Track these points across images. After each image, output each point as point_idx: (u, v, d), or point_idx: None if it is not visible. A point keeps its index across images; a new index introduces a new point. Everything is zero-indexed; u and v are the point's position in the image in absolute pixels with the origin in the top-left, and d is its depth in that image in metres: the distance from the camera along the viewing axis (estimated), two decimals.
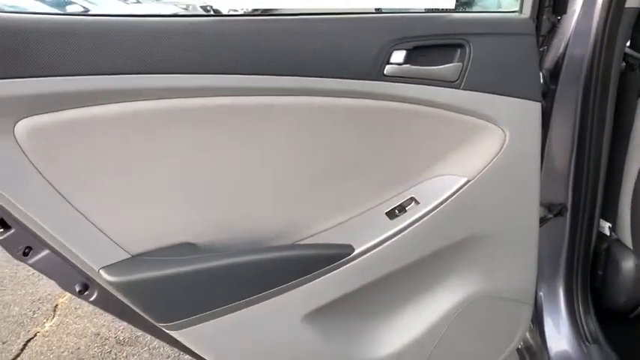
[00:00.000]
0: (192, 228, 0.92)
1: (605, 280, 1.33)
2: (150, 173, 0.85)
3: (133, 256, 0.89)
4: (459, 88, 0.92)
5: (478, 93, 0.93)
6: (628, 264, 1.29)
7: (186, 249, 0.92)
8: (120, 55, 0.75)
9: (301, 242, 1.00)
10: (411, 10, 0.96)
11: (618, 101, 1.16)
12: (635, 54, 1.13)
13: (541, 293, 1.29)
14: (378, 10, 0.96)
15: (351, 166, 0.97)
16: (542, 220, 1.23)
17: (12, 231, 0.86)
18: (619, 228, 1.29)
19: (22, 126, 0.75)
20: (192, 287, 0.90)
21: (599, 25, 1.03)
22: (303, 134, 0.91)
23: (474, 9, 1.05)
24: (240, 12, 0.95)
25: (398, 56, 0.89)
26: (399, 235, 0.96)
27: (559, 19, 1.07)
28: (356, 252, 0.95)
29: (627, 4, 1.01)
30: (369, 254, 0.96)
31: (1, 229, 0.86)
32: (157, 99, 0.79)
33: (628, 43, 1.11)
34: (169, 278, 0.88)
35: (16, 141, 0.76)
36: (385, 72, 0.88)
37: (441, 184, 0.99)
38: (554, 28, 1.08)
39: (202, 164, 0.87)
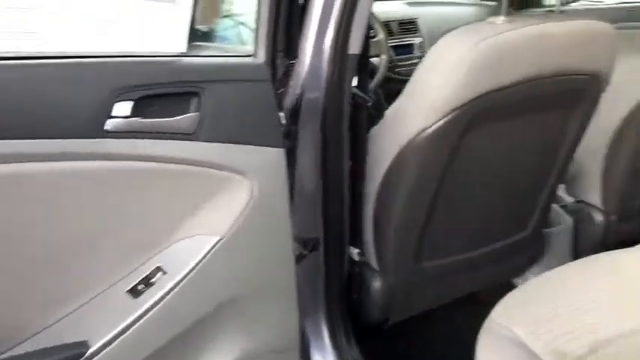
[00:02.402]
0: None
1: (360, 302, 1.41)
2: None
3: None
4: (197, 140, 0.84)
5: (219, 144, 0.86)
6: (376, 284, 1.38)
7: None
8: None
9: (21, 346, 0.77)
10: (134, 54, 0.83)
11: (353, 136, 1.23)
12: (361, 94, 1.22)
13: (307, 331, 1.30)
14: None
15: (82, 240, 0.80)
16: (299, 258, 1.23)
17: None
18: (367, 252, 1.38)
19: None
20: None
21: (329, 68, 1.07)
22: (10, 207, 0.71)
23: (209, 52, 0.98)
24: None
25: (122, 108, 0.76)
26: (147, 317, 0.82)
27: (292, 63, 1.09)
28: (92, 349, 0.78)
29: (350, 51, 1.07)
30: (109, 349, 0.79)
31: None
32: None
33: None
34: None
35: None
36: (108, 128, 0.74)
37: (190, 247, 0.88)
38: (288, 71, 1.09)
39: None
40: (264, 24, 0.93)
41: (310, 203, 1.24)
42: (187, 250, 0.88)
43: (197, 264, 0.87)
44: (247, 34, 1.31)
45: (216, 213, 0.89)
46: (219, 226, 0.90)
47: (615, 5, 2.36)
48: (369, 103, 1.20)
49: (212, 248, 0.89)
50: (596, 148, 1.54)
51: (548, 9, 1.18)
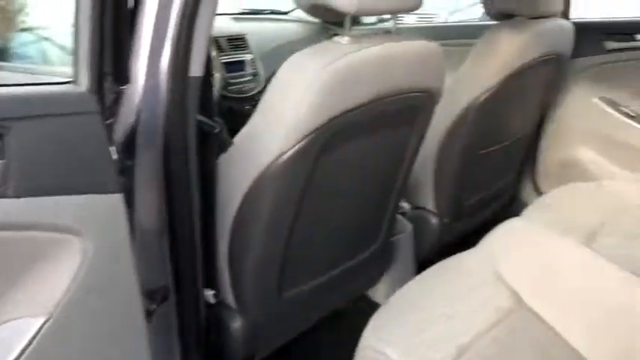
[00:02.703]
0: None
1: (221, 346, 1.28)
2: None
3: None
4: (4, 197, 0.64)
5: (35, 199, 0.67)
6: (236, 324, 1.28)
7: None
8: None
9: None
10: None
11: (200, 168, 1.10)
12: (205, 119, 1.10)
13: None
14: None
15: None
16: (149, 314, 1.06)
17: None
18: (223, 291, 1.26)
19: None
20: None
21: (168, 93, 0.93)
22: None
23: (10, 78, 0.77)
24: None
25: None
26: None
27: (123, 88, 0.92)
28: None
29: (192, 74, 0.95)
30: None
31: None
32: None
33: None
34: None
35: None
36: None
37: (4, 337, 0.67)
38: (119, 98, 0.92)
39: None
40: (86, 42, 0.76)
41: (155, 248, 1.08)
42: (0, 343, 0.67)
43: (17, 358, 0.66)
44: (56, 53, 1.10)
45: (39, 287, 0.70)
46: (45, 303, 0.70)
47: (438, 24, 2.63)
48: (217, 130, 1.09)
49: (37, 333, 0.69)
50: (428, 155, 1.65)
51: (386, 29, 1.19)
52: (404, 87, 1.15)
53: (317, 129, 1.01)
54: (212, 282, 1.25)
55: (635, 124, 1.74)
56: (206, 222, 1.17)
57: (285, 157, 1.02)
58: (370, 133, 1.17)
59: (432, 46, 1.18)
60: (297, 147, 1.01)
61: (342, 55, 1.00)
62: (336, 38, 1.07)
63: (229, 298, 1.26)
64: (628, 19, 1.89)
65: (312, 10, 1.09)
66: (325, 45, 1.06)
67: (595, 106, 1.82)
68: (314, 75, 0.97)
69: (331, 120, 1.02)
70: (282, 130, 1.00)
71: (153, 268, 1.08)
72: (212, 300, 1.24)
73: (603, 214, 1.44)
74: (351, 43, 1.04)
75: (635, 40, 1.71)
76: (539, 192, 2.05)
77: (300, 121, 0.99)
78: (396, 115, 1.20)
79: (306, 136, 1.00)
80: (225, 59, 1.91)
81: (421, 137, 1.33)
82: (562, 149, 1.95)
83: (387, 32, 1.17)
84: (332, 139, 1.06)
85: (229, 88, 1.91)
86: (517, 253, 1.29)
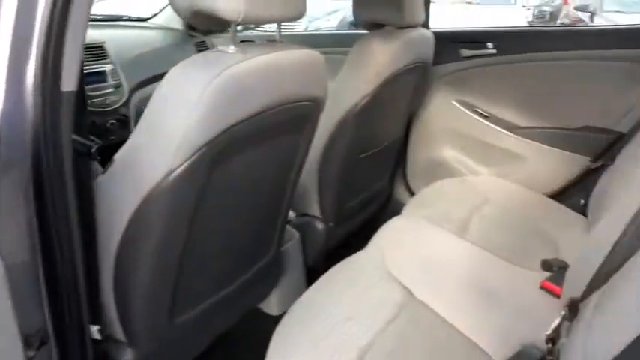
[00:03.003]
0: None
1: None
2: None
3: None
4: None
5: None
6: (126, 358, 1.17)
7: None
8: None
9: None
10: None
11: (78, 188, 0.98)
12: (80, 139, 0.98)
13: None
14: None
15: None
16: None
17: None
18: (109, 324, 1.14)
19: None
20: None
21: (37, 111, 0.81)
22: None
23: None
24: None
25: None
26: None
27: None
28: None
29: (65, 88, 0.84)
30: None
31: None
32: None
33: None
34: None
35: None
36: None
37: None
38: None
39: None
40: None
41: (30, 286, 0.94)
42: None
43: None
44: None
45: None
46: None
47: (318, 32, 2.67)
48: (94, 149, 0.98)
49: None
50: (312, 162, 1.67)
51: (269, 37, 1.18)
52: (292, 96, 1.14)
53: (206, 144, 0.96)
54: (96, 316, 1.13)
55: (488, 123, 1.95)
56: (86, 250, 1.05)
57: (174, 174, 0.95)
58: (260, 144, 1.15)
59: (315, 54, 1.20)
60: (186, 164, 0.95)
61: (229, 65, 0.96)
62: (221, 48, 1.02)
63: (117, 331, 1.15)
64: (479, 28, 2.11)
65: (194, 18, 1.03)
66: (210, 55, 1.01)
67: (454, 108, 2.00)
68: (201, 88, 0.91)
69: (220, 134, 0.98)
70: (170, 146, 0.93)
71: (27, 309, 0.94)
72: (98, 336, 1.12)
73: (470, 207, 1.59)
74: (236, 52, 1.01)
75: (486, 47, 1.92)
76: (410, 191, 2.20)
77: (188, 137, 0.93)
78: (285, 124, 1.19)
79: (196, 151, 0.95)
80: (84, 69, 1.74)
81: (308, 145, 1.34)
82: (428, 149, 2.11)
83: (272, 41, 1.16)
84: (222, 152, 1.01)
85: (90, 101, 1.74)
86: (402, 249, 1.37)
